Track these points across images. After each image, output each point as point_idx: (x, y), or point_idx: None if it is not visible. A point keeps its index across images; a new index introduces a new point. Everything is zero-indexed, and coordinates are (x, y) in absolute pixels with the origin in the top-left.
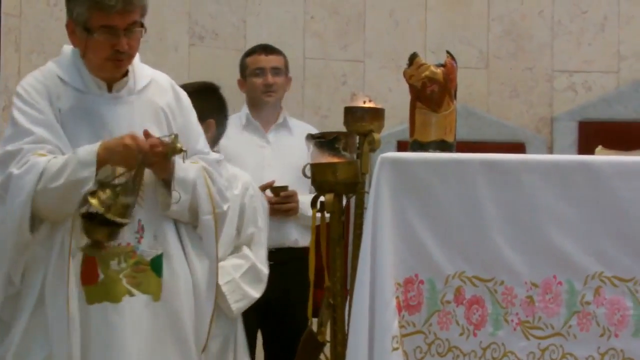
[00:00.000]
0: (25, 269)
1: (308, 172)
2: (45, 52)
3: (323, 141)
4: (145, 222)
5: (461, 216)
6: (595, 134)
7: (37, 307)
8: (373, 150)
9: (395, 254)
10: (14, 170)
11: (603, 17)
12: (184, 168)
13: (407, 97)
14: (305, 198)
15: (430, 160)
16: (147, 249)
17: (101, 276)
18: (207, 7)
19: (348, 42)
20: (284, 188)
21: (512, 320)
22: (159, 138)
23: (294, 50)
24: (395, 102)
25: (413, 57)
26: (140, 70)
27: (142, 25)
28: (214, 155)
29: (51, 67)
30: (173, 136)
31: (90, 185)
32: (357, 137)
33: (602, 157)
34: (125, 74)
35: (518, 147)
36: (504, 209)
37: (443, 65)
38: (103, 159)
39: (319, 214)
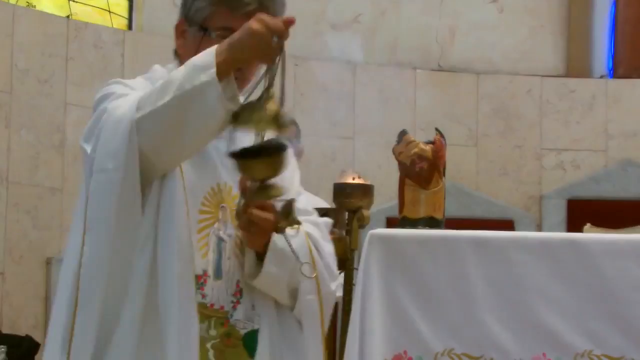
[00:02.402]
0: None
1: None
2: (36, 127)
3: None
4: (245, 286)
5: (450, 293)
6: (584, 212)
7: None
8: (362, 226)
9: (384, 331)
10: (108, 105)
11: (591, 97)
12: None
13: (396, 174)
14: None
15: (420, 237)
16: (242, 319)
17: None
18: None
19: (338, 119)
20: None
21: None
22: (271, 203)
23: None
24: (384, 178)
25: (402, 134)
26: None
27: None
28: (322, 218)
29: (141, 81)
30: (287, 202)
31: (213, 95)
32: (347, 214)
33: (591, 235)
34: None
35: (507, 225)
36: (493, 287)
37: (432, 143)
38: (225, 59)
39: None
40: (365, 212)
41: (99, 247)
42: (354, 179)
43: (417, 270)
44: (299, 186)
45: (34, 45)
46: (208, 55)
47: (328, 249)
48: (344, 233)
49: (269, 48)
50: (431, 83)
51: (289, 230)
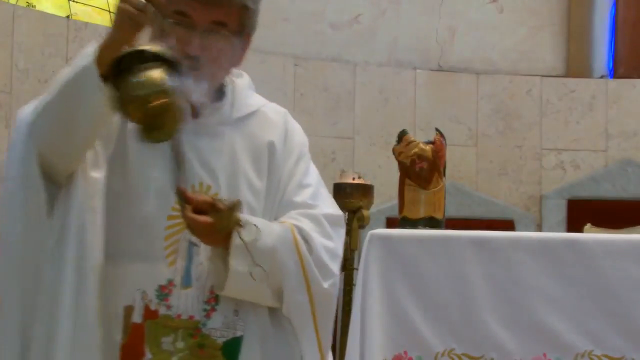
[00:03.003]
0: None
1: None
2: None
3: None
4: None
5: (450, 293)
6: (584, 212)
7: None
8: (362, 226)
9: (384, 331)
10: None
11: (591, 97)
12: (262, 229)
13: (396, 174)
14: None
15: (420, 237)
16: (220, 328)
17: (148, 356)
18: None
19: (338, 119)
20: None
21: None
22: (212, 199)
23: None
24: (384, 178)
25: (402, 134)
26: (244, 96)
27: (238, 35)
28: (325, 210)
29: None
30: (233, 204)
31: (92, 79)
32: (347, 214)
33: (591, 235)
34: (221, 97)
35: (507, 225)
36: (493, 287)
37: (432, 143)
38: (103, 43)
39: None
40: (365, 212)
41: (8, 255)
42: (354, 179)
43: (417, 270)
44: (305, 174)
45: (34, 45)
46: (90, 46)
47: (325, 244)
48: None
49: (134, 17)
50: (431, 83)
51: (267, 222)
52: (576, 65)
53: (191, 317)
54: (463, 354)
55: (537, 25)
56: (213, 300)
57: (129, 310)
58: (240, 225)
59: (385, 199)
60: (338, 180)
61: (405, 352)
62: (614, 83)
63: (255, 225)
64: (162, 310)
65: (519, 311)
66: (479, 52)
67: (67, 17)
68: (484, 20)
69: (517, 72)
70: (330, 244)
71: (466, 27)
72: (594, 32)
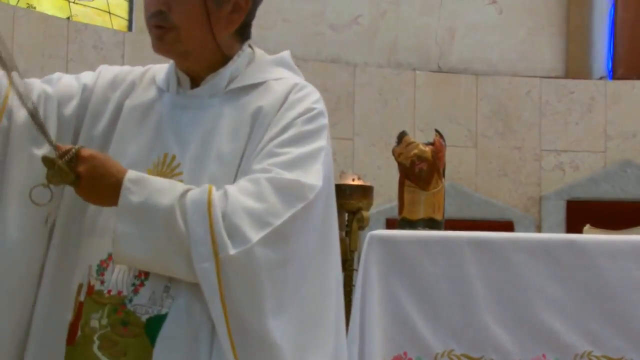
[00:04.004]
0: None
1: None
2: None
3: None
4: None
5: (450, 294)
6: (583, 213)
7: None
8: (362, 227)
9: (383, 332)
10: None
11: (590, 98)
12: (155, 189)
13: (395, 175)
14: None
15: (419, 238)
16: (145, 304)
17: (79, 334)
18: None
19: (337, 120)
20: None
21: None
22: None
23: None
24: (384, 180)
25: (402, 136)
26: (256, 69)
27: None
28: (282, 175)
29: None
30: (64, 152)
31: None
32: (346, 215)
33: (590, 236)
34: (219, 66)
35: (506, 226)
36: (493, 288)
37: (432, 144)
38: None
39: None
40: (364, 213)
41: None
42: (353, 180)
43: (417, 271)
44: (292, 137)
45: (34, 46)
46: None
47: (248, 206)
48: (343, 234)
49: None
50: (430, 84)
51: (165, 181)
52: (575, 66)
53: (119, 293)
54: (462, 355)
55: (536, 27)
56: (143, 274)
57: (79, 287)
58: (78, 177)
59: (384, 200)
60: (338, 182)
61: (405, 353)
62: (613, 84)
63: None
64: (97, 286)
65: (518, 312)
66: (479, 53)
67: (67, 18)
68: (484, 21)
69: (516, 73)
70: (256, 207)
71: (465, 28)
72: (593, 33)
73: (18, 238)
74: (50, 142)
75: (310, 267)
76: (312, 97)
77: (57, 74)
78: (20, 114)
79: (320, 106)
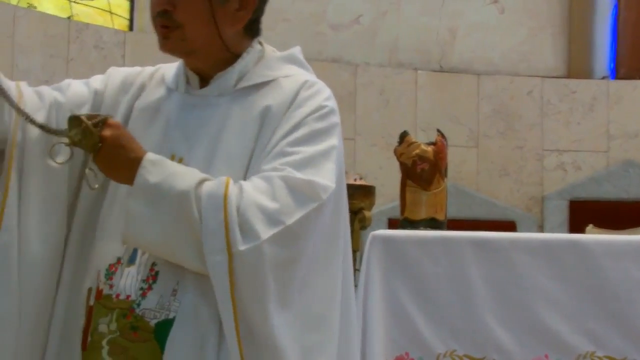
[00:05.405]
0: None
1: None
2: None
3: None
4: (164, 269)
5: (452, 294)
6: (586, 213)
7: None
8: (364, 227)
9: (385, 333)
10: None
11: (592, 97)
12: (172, 172)
13: (397, 175)
14: None
15: (421, 238)
16: (153, 308)
17: (89, 339)
18: None
19: None
20: None
21: None
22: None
23: None
24: (385, 180)
25: (403, 135)
26: (266, 66)
27: None
28: (294, 175)
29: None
30: (102, 117)
31: None
32: (348, 215)
33: (592, 236)
34: (228, 64)
35: (508, 226)
36: (495, 288)
37: (433, 144)
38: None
39: None
40: (366, 214)
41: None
42: (355, 180)
43: (419, 271)
44: (303, 136)
45: (35, 46)
46: None
47: (262, 203)
48: None
49: None
50: (432, 84)
51: (181, 167)
52: (577, 66)
53: (128, 297)
54: (464, 355)
55: (538, 26)
56: (152, 278)
57: (89, 292)
58: (101, 142)
59: (386, 200)
60: None
61: (407, 354)
62: (615, 84)
63: (159, 164)
64: (106, 290)
65: (520, 312)
66: (480, 53)
67: (68, 18)
68: (485, 21)
69: (518, 73)
70: (269, 204)
71: (467, 28)
72: (595, 33)
73: (40, 251)
74: (56, 132)
75: (318, 267)
76: (323, 94)
77: (66, 81)
78: (33, 127)
79: (332, 103)
